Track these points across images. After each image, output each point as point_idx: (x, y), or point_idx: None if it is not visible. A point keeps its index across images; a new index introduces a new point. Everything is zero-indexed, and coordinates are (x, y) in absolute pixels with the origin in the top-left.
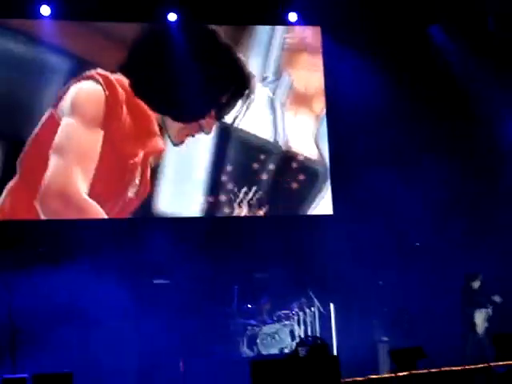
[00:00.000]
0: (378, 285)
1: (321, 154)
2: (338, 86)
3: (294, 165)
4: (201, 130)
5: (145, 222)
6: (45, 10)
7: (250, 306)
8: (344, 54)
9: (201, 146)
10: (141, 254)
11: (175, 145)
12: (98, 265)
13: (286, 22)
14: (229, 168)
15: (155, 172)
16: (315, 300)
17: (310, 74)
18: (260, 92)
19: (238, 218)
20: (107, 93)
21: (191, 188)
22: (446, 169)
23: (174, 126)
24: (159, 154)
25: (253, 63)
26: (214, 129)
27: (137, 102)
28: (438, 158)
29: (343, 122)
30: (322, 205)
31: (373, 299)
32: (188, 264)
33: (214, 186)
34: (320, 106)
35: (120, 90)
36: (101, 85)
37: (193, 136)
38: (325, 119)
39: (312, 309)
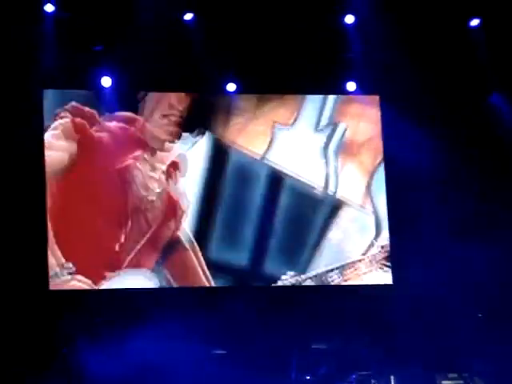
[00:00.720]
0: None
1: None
2: (397, 153)
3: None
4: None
5: (200, 289)
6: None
7: (308, 377)
8: (403, 122)
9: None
10: (196, 323)
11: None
12: (153, 334)
13: (344, 91)
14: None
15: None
16: (375, 372)
17: (364, 125)
18: (313, 140)
19: (294, 287)
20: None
21: None
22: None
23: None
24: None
25: (307, 113)
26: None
27: None
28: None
29: (402, 190)
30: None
31: (436, 372)
32: (245, 334)
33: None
34: (371, 155)
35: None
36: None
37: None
38: (380, 172)
39: (372, 381)
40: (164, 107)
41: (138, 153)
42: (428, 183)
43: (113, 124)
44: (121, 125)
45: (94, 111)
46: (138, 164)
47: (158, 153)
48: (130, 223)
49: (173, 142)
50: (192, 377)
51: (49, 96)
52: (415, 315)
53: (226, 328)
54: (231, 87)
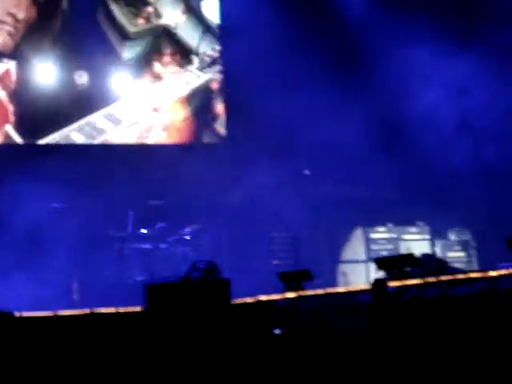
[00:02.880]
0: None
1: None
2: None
3: None
4: None
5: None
6: None
7: (144, 230)
8: None
9: None
10: (34, 179)
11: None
12: None
13: None
14: None
15: None
16: (206, 225)
17: None
18: None
19: (135, 145)
20: None
21: None
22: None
23: None
24: None
25: None
26: None
27: None
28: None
29: (238, 51)
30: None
31: (267, 227)
32: (84, 189)
33: None
34: None
35: None
36: None
37: None
38: None
39: (205, 234)
40: None
41: None
42: (263, 41)
43: None
44: None
45: None
46: None
47: None
48: None
49: None
50: (34, 229)
51: None
52: (244, 170)
53: (65, 184)
54: None
